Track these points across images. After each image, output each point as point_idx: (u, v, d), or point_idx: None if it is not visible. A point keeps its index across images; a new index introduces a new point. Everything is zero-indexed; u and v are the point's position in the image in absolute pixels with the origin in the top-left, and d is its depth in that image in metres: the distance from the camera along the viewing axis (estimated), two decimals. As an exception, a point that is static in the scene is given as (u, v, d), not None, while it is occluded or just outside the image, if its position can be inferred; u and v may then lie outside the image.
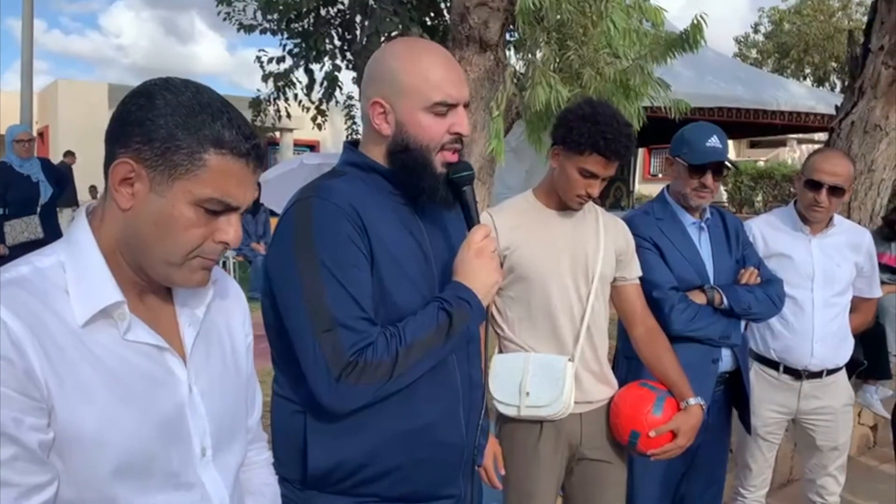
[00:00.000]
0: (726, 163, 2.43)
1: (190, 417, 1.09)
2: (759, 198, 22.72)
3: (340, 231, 1.38)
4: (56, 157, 13.50)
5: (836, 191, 2.67)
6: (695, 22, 4.40)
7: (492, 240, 1.50)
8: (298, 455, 1.47)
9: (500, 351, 2.20)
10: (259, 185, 10.03)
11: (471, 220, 1.52)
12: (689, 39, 4.40)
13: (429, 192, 1.47)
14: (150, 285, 1.09)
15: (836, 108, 5.44)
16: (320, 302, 1.35)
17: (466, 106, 1.50)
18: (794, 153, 24.51)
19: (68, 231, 1.09)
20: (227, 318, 1.23)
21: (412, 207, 1.52)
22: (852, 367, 2.90)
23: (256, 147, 1.05)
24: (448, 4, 9.81)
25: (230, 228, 1.05)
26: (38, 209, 5.90)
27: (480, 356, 1.66)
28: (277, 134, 23.02)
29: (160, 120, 0.99)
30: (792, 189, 21.91)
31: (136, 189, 1.01)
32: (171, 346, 1.09)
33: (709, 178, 2.41)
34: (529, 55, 4.51)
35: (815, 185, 2.68)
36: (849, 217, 4.38)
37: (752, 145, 25.34)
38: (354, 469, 1.46)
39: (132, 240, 1.04)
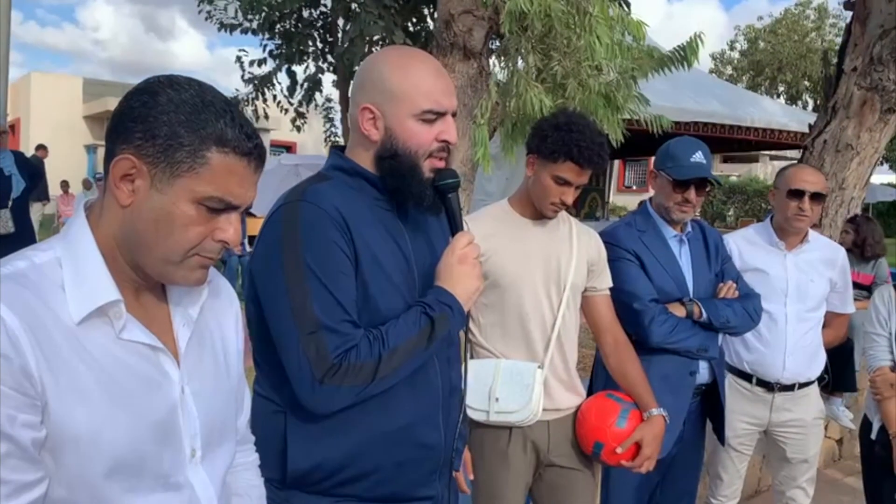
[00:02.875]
0: (710, 179, 2.46)
1: (181, 418, 1.09)
2: (731, 212, 23.08)
3: (327, 235, 1.40)
4: (27, 150, 13.26)
5: (816, 197, 2.77)
6: (692, 42, 4.47)
7: (475, 246, 1.53)
8: (278, 455, 1.48)
9: (472, 356, 2.22)
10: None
11: (455, 227, 1.55)
12: (685, 57, 4.46)
13: (416, 197, 1.49)
14: (147, 283, 1.09)
15: (810, 126, 5.56)
16: (305, 304, 1.36)
17: (454, 115, 1.53)
18: (766, 169, 24.93)
19: (65, 226, 1.08)
20: (219, 319, 1.23)
21: (396, 213, 1.54)
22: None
23: (258, 147, 1.05)
24: (431, 10, 9.84)
25: (230, 227, 1.05)
26: (10, 203, 5.79)
27: (460, 360, 1.68)
28: (254, 134, 22.84)
29: (163, 117, 0.99)
30: (764, 204, 22.34)
31: (136, 185, 1.01)
32: (164, 345, 1.08)
33: (692, 194, 2.45)
34: (512, 64, 4.54)
35: (797, 194, 2.76)
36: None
37: (725, 160, 25.73)
38: (334, 470, 1.47)
39: (131, 237, 1.03)
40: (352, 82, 1.57)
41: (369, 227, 1.46)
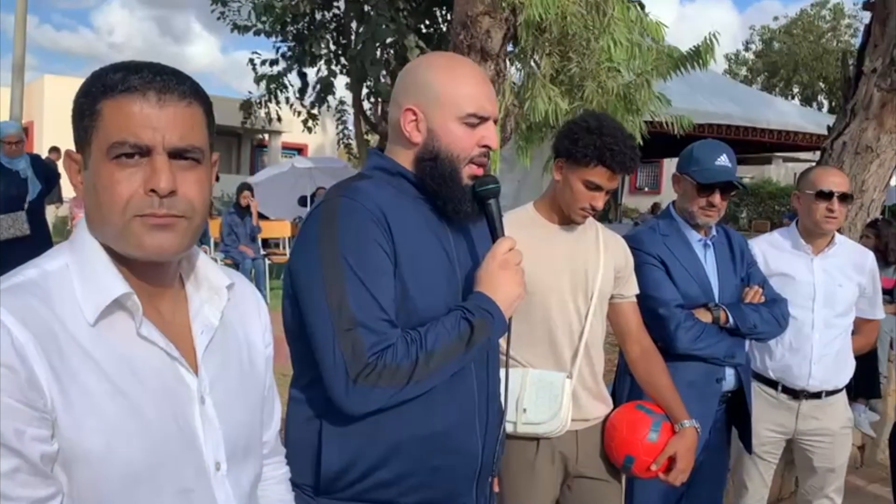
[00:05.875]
0: (734, 182, 2.42)
1: (202, 430, 1.05)
2: (745, 214, 22.91)
3: (366, 233, 1.38)
4: (40, 153, 13.34)
5: (844, 198, 2.73)
6: (707, 41, 4.42)
7: (517, 252, 1.50)
8: (311, 458, 1.45)
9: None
10: (251, 187, 10.00)
11: (495, 233, 1.52)
12: (700, 57, 4.42)
13: (455, 201, 1.47)
14: (156, 279, 1.06)
15: (828, 128, 5.49)
16: (342, 302, 1.34)
17: (496, 122, 1.52)
18: (779, 171, 24.74)
19: (73, 233, 1.06)
20: (245, 327, 1.20)
21: (439, 214, 1.51)
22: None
23: (155, 81, 0.97)
24: (444, 13, 9.82)
25: (154, 175, 0.96)
26: (26, 205, 5.80)
27: (498, 367, 1.64)
28: (266, 136, 22.96)
29: (75, 101, 0.99)
30: (777, 207, 22.16)
31: (82, 176, 1.01)
32: (184, 354, 1.05)
33: (717, 197, 2.41)
34: (530, 65, 4.51)
35: (825, 196, 2.72)
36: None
37: (739, 162, 25.51)
38: (367, 471, 1.43)
39: (93, 227, 1.01)
40: (395, 84, 1.56)
41: (411, 226, 1.44)
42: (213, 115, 1.08)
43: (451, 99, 1.45)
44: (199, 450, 1.04)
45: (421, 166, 1.47)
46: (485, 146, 1.48)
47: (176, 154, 0.98)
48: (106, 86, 0.96)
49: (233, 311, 1.16)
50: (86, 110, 0.97)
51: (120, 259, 1.01)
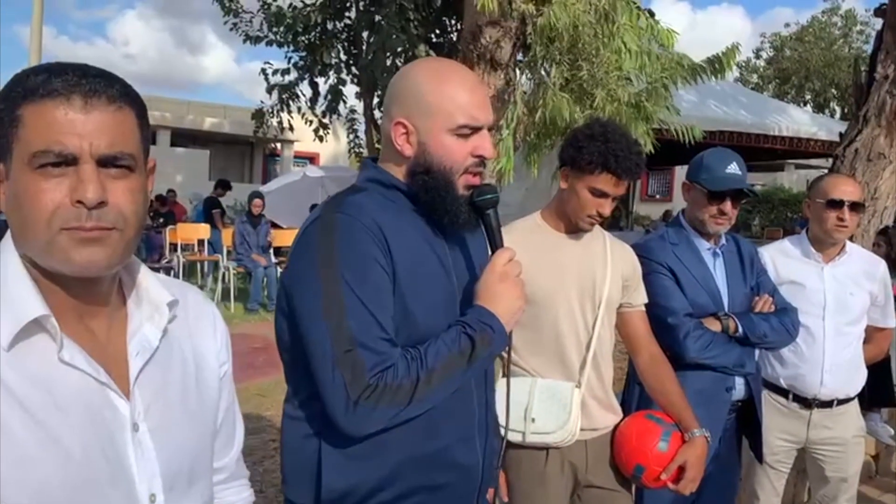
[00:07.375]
0: (745, 190, 2.41)
1: (134, 459, 0.97)
2: (757, 221, 22.78)
3: (364, 249, 1.35)
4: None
5: (856, 207, 2.71)
6: (730, 52, 4.40)
7: (516, 263, 1.47)
8: (311, 478, 1.42)
9: (504, 374, 2.17)
10: (262, 196, 10.04)
11: (494, 244, 1.49)
12: (721, 67, 4.40)
13: (451, 214, 1.44)
14: (88, 296, 0.98)
15: (840, 134, 5.47)
16: (341, 321, 1.31)
17: (491, 129, 1.48)
18: (791, 178, 24.61)
19: None
20: (194, 345, 1.11)
21: (435, 226, 1.48)
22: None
23: (81, 83, 0.90)
24: (454, 22, 9.85)
25: (80, 185, 0.89)
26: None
27: (494, 378, 1.64)
28: (278, 145, 23.07)
29: None
30: (790, 213, 22.02)
31: (4, 187, 0.94)
32: (118, 377, 0.97)
33: (727, 205, 2.41)
34: (541, 73, 4.52)
35: (836, 204, 2.71)
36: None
37: (750, 169, 25.31)
38: (369, 492, 1.41)
39: (17, 242, 0.94)
40: (385, 94, 1.53)
41: (408, 240, 1.41)
42: (148, 119, 1.01)
43: (441, 110, 1.41)
44: (130, 482, 0.97)
45: (414, 179, 1.44)
46: (479, 156, 1.44)
47: (104, 162, 0.92)
48: (27, 89, 0.90)
49: (181, 329, 1.09)
50: (5, 116, 0.91)
51: (48, 275, 0.95)
